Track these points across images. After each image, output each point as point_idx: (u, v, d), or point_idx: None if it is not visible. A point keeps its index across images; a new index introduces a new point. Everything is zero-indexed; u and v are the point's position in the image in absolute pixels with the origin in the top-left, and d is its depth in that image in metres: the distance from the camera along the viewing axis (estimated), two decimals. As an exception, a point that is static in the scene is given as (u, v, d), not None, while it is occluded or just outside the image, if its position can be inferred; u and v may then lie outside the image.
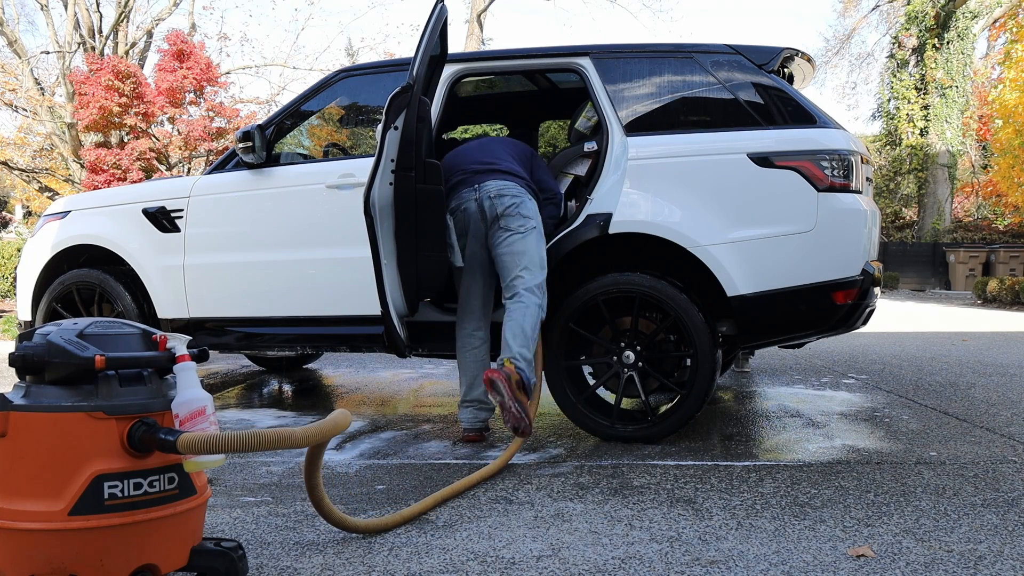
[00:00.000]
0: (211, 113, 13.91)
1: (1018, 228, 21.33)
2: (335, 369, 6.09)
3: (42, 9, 16.67)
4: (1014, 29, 17.04)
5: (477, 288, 3.60)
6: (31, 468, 1.67)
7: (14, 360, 1.74)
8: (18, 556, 1.66)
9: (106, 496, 1.68)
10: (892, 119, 23.81)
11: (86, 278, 4.40)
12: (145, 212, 4.23)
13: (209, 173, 4.25)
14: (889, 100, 24.06)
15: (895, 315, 11.72)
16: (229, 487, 2.92)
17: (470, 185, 3.54)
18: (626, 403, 3.73)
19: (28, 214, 26.04)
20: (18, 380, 1.80)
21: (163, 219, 4.20)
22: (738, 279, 3.42)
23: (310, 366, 6.22)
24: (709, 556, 2.17)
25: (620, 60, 3.73)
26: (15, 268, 10.43)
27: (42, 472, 1.67)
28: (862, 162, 3.54)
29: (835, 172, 3.40)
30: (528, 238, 3.44)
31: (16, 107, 16.43)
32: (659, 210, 3.53)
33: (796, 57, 3.84)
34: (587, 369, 3.90)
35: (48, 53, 17.15)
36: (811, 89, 44.92)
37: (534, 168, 3.73)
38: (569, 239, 3.62)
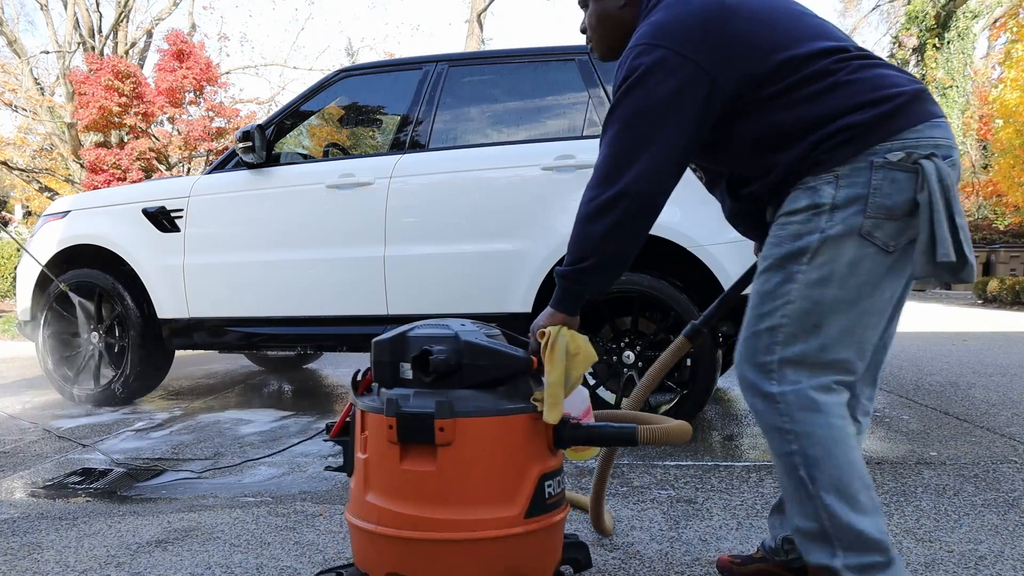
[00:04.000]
0: (211, 113, 13.93)
1: (1018, 228, 21.33)
2: (335, 369, 6.09)
3: (42, 9, 16.69)
4: (1014, 29, 17.03)
5: None
6: (485, 475, 1.63)
7: (429, 363, 1.62)
8: (482, 565, 1.63)
9: (546, 495, 1.67)
10: (892, 119, 23.79)
11: (86, 278, 4.40)
12: (145, 212, 4.23)
13: (209, 173, 4.25)
14: (889, 100, 24.04)
15: (895, 315, 11.70)
16: (229, 487, 2.92)
17: None
18: (626, 403, 3.72)
19: (28, 214, 26.02)
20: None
21: (163, 219, 4.20)
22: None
23: (310, 366, 6.22)
24: (709, 556, 2.17)
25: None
26: (15, 268, 10.43)
27: (496, 477, 1.63)
28: (862, 162, 3.53)
29: (835, 172, 3.39)
30: None
31: (16, 107, 16.45)
32: (659, 210, 3.52)
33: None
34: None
35: (48, 53, 17.18)
36: (811, 89, 44.75)
37: None
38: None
